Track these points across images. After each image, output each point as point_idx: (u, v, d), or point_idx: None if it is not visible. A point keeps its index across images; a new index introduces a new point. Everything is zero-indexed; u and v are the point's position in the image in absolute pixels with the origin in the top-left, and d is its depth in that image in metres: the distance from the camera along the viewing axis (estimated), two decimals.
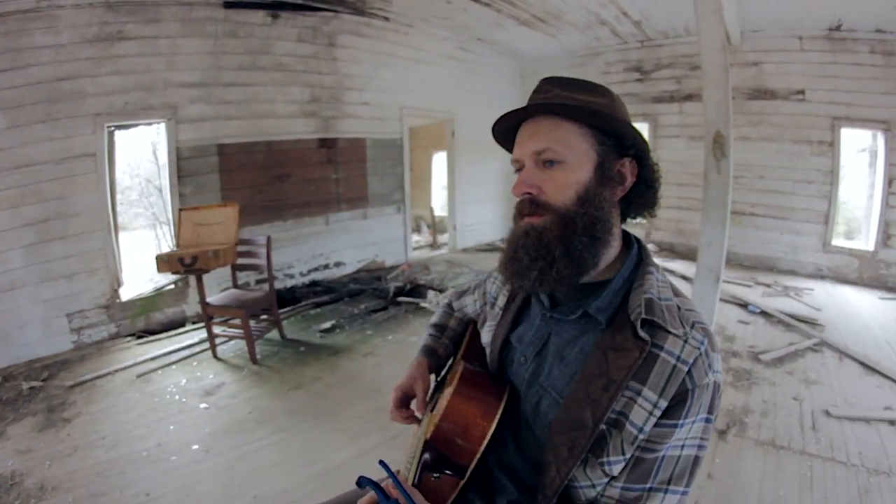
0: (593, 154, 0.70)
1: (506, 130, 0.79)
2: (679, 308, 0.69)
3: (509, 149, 0.81)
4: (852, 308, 4.13)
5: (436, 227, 7.60)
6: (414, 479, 0.73)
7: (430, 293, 4.52)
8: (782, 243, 5.29)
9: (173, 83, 3.75)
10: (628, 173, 0.73)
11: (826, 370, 2.99)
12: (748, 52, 5.09)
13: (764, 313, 3.96)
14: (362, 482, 0.60)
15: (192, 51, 3.81)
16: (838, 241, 5.16)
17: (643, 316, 0.66)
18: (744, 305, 4.13)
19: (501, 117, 0.77)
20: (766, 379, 2.89)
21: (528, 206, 0.72)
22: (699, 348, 0.64)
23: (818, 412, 2.51)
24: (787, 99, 4.98)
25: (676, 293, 0.72)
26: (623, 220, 0.78)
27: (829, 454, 2.16)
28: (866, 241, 5.00)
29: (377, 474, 0.76)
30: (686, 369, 0.63)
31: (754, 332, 3.64)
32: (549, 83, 0.75)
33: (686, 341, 0.64)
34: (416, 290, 4.71)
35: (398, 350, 3.46)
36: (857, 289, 4.69)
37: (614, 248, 0.75)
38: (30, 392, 2.69)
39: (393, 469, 0.67)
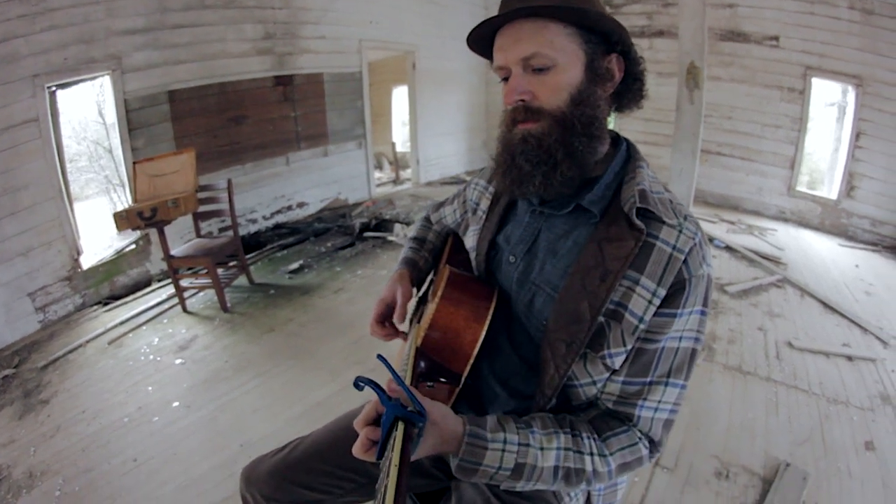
0: (581, 54, 0.68)
1: (482, 37, 0.74)
2: (671, 201, 0.69)
3: (486, 55, 0.76)
4: (814, 251, 4.28)
5: (398, 162, 7.48)
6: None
7: (397, 226, 4.53)
8: (748, 184, 5.41)
9: (115, 31, 3.38)
10: (616, 69, 0.71)
11: (789, 305, 3.13)
12: None
13: (729, 248, 4.11)
14: (360, 382, 0.57)
15: None
16: (802, 189, 5.28)
17: (638, 205, 0.65)
18: (710, 240, 4.26)
19: (479, 25, 0.71)
20: (731, 309, 3.03)
21: (522, 112, 0.69)
22: (694, 238, 0.65)
23: (781, 343, 2.65)
24: (761, 43, 4.93)
25: (666, 188, 0.72)
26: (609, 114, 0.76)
27: (793, 382, 2.30)
28: (829, 192, 5.13)
29: (361, 401, 0.73)
30: (682, 258, 0.63)
31: (719, 265, 3.76)
32: None
33: (681, 231, 0.65)
34: (383, 225, 4.70)
35: (368, 284, 3.46)
36: (818, 234, 4.85)
37: (605, 144, 0.74)
38: (3, 381, 2.54)
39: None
